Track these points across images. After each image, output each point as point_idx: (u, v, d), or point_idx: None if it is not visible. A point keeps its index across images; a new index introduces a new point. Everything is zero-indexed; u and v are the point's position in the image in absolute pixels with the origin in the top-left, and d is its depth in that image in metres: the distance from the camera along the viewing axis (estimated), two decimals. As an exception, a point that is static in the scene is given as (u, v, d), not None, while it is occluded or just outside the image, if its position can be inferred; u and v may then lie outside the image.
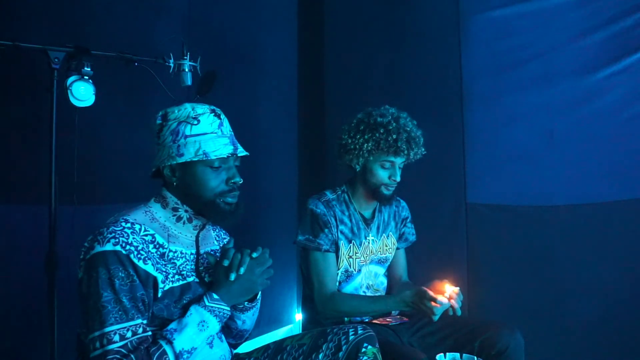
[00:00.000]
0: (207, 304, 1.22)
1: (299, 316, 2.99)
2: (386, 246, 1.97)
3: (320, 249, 1.79)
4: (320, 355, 1.29)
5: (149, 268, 1.18)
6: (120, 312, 1.11)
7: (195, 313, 1.20)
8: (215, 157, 1.25)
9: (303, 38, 3.08)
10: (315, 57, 3.01)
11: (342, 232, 1.85)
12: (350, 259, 1.86)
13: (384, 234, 1.97)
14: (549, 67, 2.37)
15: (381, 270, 1.99)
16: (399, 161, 1.82)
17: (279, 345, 1.37)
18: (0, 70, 1.78)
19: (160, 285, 1.20)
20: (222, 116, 1.32)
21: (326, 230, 1.81)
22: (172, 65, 1.84)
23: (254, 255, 1.27)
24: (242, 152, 1.31)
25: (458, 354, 1.56)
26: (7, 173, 1.84)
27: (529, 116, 2.41)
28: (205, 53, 1.93)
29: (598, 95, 2.32)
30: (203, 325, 1.20)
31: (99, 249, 1.14)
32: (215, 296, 1.23)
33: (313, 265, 1.81)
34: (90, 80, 1.63)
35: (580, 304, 2.29)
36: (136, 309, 1.14)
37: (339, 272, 1.85)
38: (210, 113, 1.29)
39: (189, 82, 1.87)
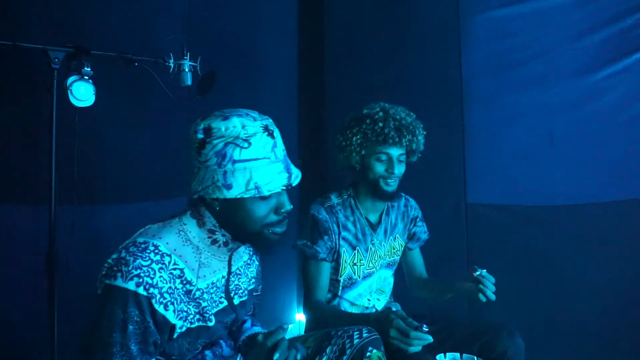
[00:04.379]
0: None
1: (299, 316, 2.99)
2: (393, 249, 1.92)
3: (316, 257, 1.74)
4: (324, 359, 1.28)
5: (169, 315, 1.09)
6: (124, 358, 1.04)
7: None
8: (268, 193, 1.11)
9: (303, 38, 3.08)
10: (315, 57, 3.01)
11: (344, 239, 1.79)
12: (355, 266, 1.81)
13: (391, 237, 1.92)
14: (549, 67, 2.37)
15: (389, 273, 1.95)
16: (395, 153, 1.73)
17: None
18: (0, 70, 1.79)
19: (178, 330, 1.12)
20: (276, 132, 1.16)
21: (325, 237, 1.75)
22: (172, 65, 1.84)
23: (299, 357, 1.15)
24: (297, 179, 1.17)
25: (458, 354, 1.56)
26: (7, 173, 1.84)
27: (529, 116, 2.41)
28: (205, 53, 1.93)
29: (598, 96, 2.32)
30: None
31: (120, 284, 1.03)
32: None
33: (306, 272, 1.78)
34: (90, 80, 1.64)
35: (580, 304, 2.29)
36: (144, 352, 1.06)
37: (342, 279, 1.80)
38: (264, 132, 1.12)
39: (189, 82, 1.88)
